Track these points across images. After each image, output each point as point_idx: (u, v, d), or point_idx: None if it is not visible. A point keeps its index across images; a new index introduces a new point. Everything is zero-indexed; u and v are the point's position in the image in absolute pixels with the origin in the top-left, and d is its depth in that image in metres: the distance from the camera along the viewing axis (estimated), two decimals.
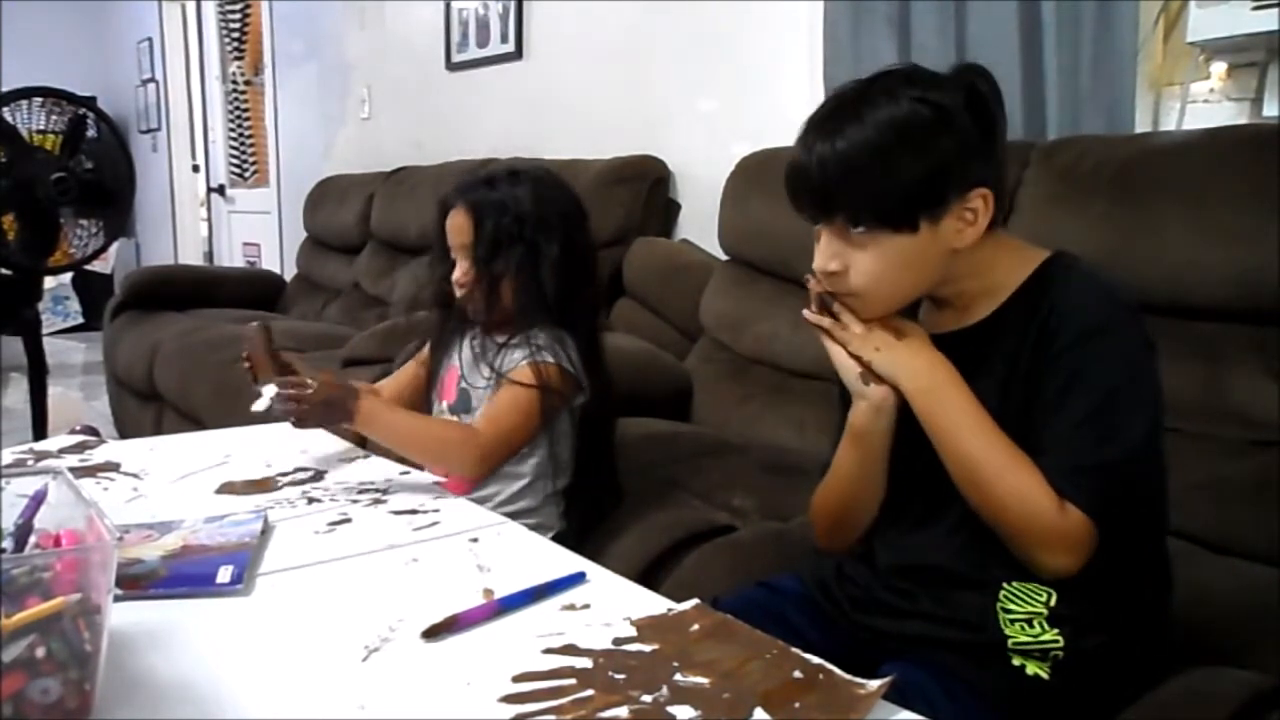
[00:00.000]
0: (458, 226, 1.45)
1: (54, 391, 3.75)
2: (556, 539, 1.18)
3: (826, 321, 1.01)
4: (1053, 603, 0.94)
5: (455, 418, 1.50)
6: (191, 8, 6.26)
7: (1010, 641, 0.95)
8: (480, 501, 1.32)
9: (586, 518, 1.54)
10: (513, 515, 1.25)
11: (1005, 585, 0.96)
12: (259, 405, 1.27)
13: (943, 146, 0.93)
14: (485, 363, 1.45)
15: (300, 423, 1.29)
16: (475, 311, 1.47)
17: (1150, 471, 0.96)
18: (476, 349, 1.48)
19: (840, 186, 0.94)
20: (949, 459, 0.97)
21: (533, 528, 1.18)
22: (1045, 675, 0.94)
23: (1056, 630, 0.94)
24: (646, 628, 0.84)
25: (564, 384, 1.43)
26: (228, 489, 1.25)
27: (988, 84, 0.97)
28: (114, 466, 1.35)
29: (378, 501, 1.21)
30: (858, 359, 1.01)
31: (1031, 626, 0.94)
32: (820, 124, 0.96)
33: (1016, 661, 0.94)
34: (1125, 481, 0.92)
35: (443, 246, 1.49)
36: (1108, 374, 0.92)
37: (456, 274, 1.46)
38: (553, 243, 1.42)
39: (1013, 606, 0.95)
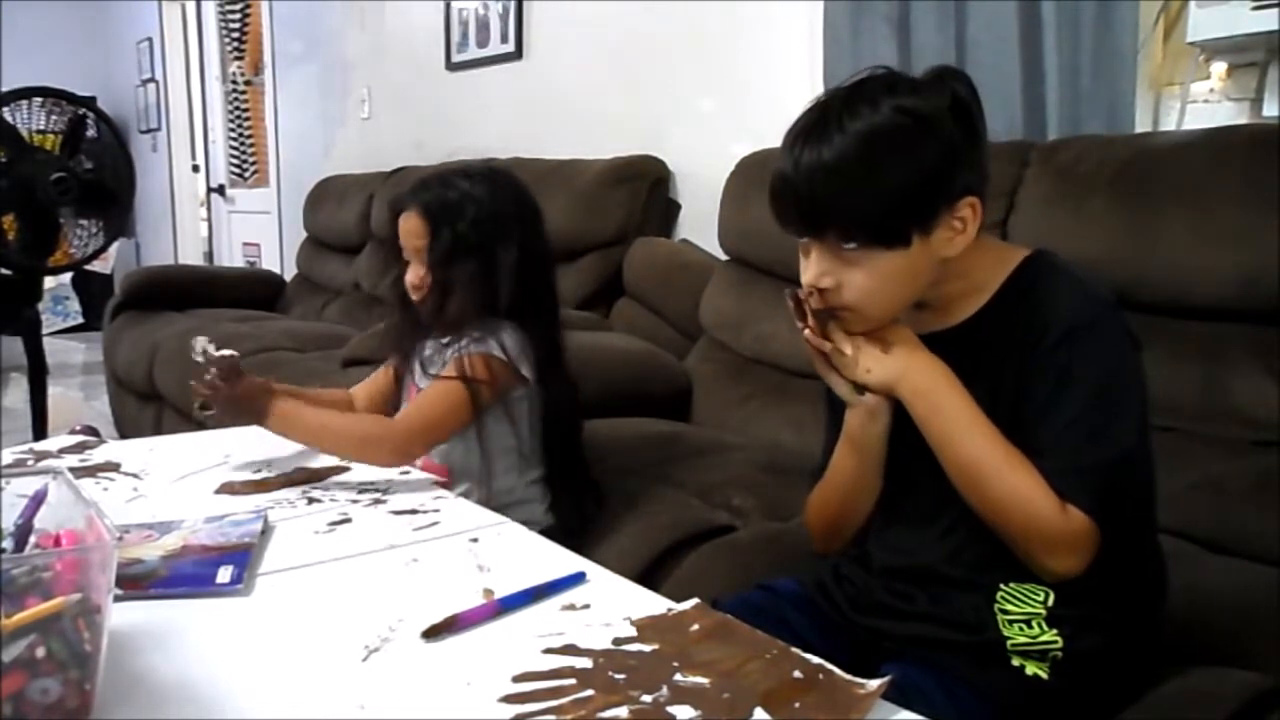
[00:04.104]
0: (412, 230, 1.44)
1: (54, 391, 3.76)
2: (545, 534, 1.18)
3: (828, 346, 0.99)
4: (1050, 603, 0.94)
5: None
6: (191, 8, 6.26)
7: (1009, 642, 0.95)
8: None
9: (568, 517, 1.54)
10: (498, 510, 1.25)
11: (1002, 586, 0.96)
12: (195, 352, 1.32)
13: (930, 156, 0.91)
14: (426, 363, 1.46)
15: (215, 419, 1.32)
16: (426, 314, 1.47)
17: (1142, 468, 0.96)
18: (426, 354, 1.49)
19: (830, 201, 0.92)
20: (948, 462, 0.96)
21: (520, 522, 1.18)
22: (1045, 675, 0.94)
23: (1055, 631, 0.94)
24: (646, 628, 0.84)
25: (493, 372, 1.42)
26: (227, 489, 1.26)
27: (967, 88, 0.95)
28: (114, 466, 1.35)
29: (378, 501, 1.21)
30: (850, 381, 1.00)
31: (1030, 627, 0.94)
32: (805, 135, 0.94)
33: (1016, 662, 0.95)
34: (1121, 479, 0.92)
35: (395, 248, 1.48)
36: (1096, 371, 0.91)
37: (410, 277, 1.45)
38: (510, 247, 1.42)
39: (1010, 607, 0.95)
